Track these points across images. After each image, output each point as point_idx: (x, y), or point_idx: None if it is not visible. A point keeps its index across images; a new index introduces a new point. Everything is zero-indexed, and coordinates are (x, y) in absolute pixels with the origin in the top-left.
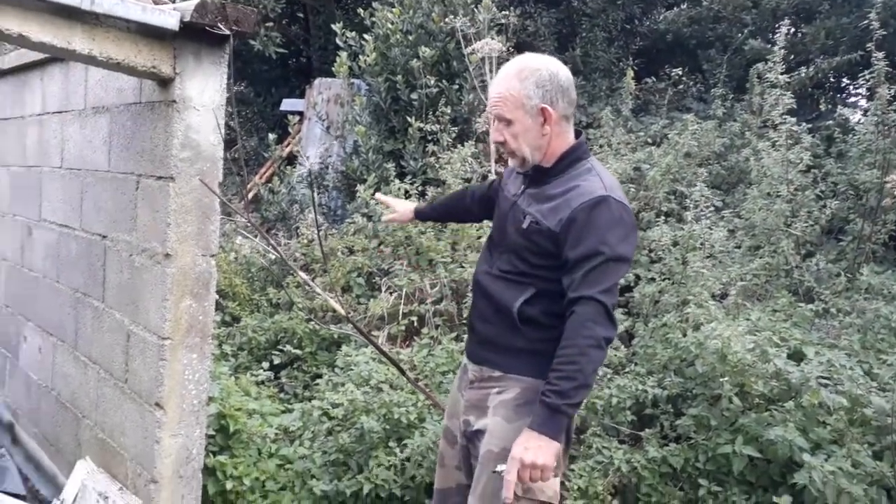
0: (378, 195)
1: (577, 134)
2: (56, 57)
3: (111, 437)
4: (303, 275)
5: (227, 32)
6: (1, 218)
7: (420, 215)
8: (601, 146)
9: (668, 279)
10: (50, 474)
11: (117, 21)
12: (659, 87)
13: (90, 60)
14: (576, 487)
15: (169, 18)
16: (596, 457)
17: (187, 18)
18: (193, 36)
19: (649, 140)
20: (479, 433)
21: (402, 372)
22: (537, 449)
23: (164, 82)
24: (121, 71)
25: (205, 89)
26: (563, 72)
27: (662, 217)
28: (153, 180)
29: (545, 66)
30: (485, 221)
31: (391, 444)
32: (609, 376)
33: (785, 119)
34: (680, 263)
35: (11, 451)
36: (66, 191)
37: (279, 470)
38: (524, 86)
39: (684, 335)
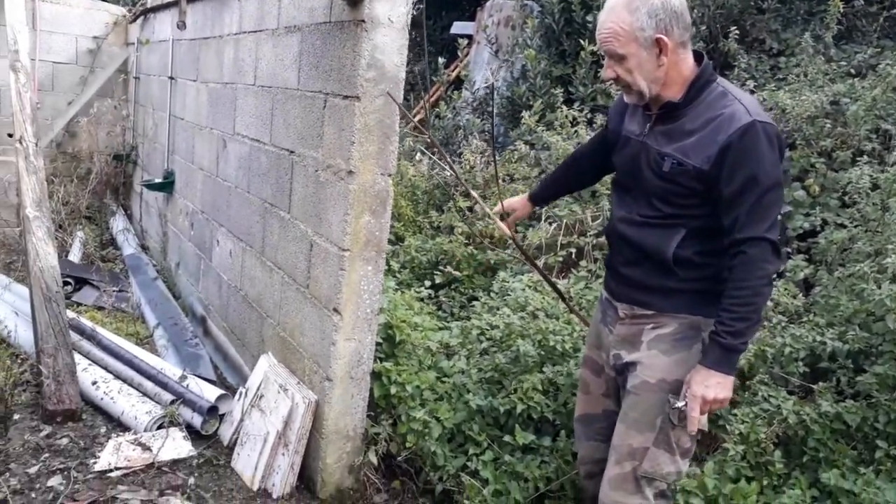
0: (489, 210)
1: (699, 57)
2: None
3: (291, 337)
4: (474, 193)
5: None
6: (199, 131)
7: (536, 199)
8: (797, 76)
9: (862, 226)
10: (236, 365)
11: None
12: (870, 9)
13: None
14: (737, 433)
15: None
16: (761, 404)
17: None
18: None
19: (852, 71)
20: (631, 365)
21: (562, 297)
22: (717, 385)
23: (354, 2)
24: None
25: (392, 8)
26: None
27: (864, 157)
28: (340, 99)
29: None
30: None
31: (545, 369)
32: (783, 324)
33: None
34: (878, 209)
35: (203, 341)
36: (258, 107)
37: (438, 381)
38: (636, 17)
39: (879, 287)
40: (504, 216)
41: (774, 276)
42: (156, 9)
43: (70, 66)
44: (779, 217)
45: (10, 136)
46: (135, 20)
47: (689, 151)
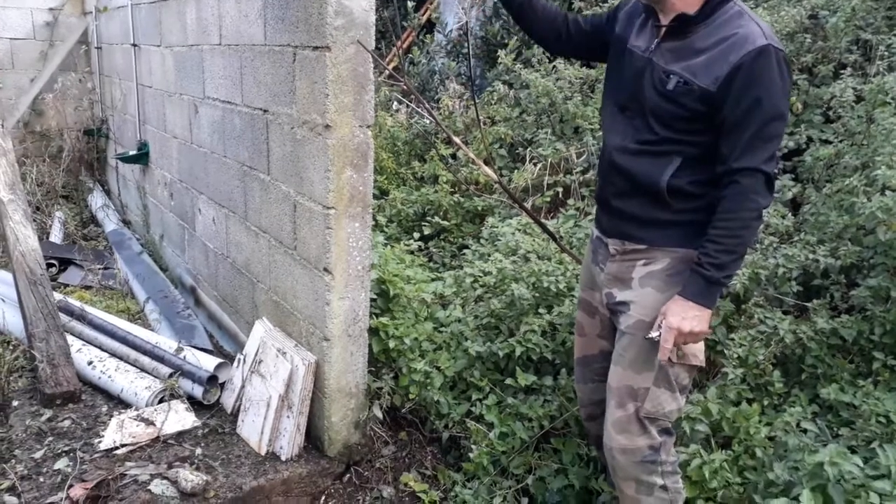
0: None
1: None
2: None
3: (284, 300)
4: (456, 139)
5: None
6: (169, 98)
7: None
8: None
9: (848, 140)
10: (231, 332)
11: None
12: None
13: None
14: (735, 356)
15: None
16: (758, 327)
17: None
18: None
19: None
20: (624, 304)
21: (553, 237)
22: (694, 318)
23: None
24: None
25: None
26: None
27: (847, 69)
28: (309, 51)
29: None
30: None
31: (541, 310)
32: (774, 245)
33: None
34: (864, 122)
35: (195, 311)
36: (227, 67)
37: (435, 332)
38: None
39: (868, 200)
40: (488, 161)
41: (763, 210)
42: None
43: (28, 41)
44: (777, 152)
45: None
46: None
47: (698, 71)
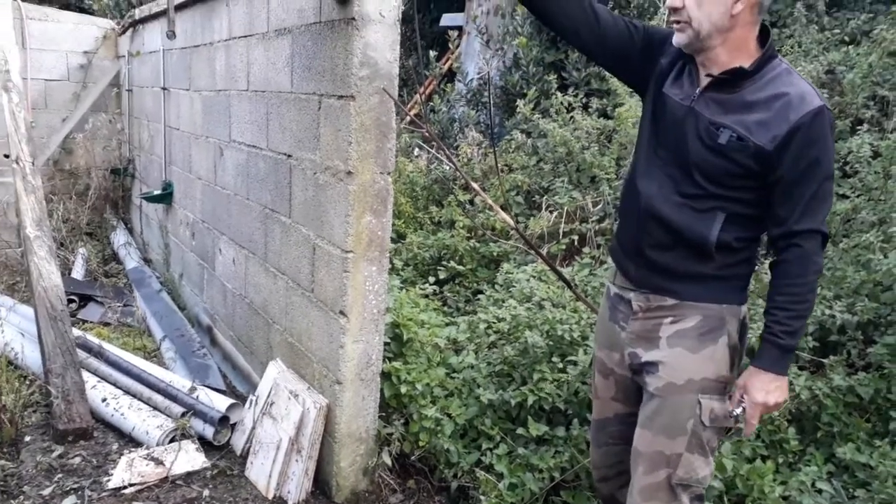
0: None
1: (763, 30)
2: None
3: (299, 342)
4: (474, 184)
5: None
6: (195, 140)
7: None
8: (791, 47)
9: (865, 196)
10: (245, 373)
11: None
12: None
13: None
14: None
15: None
16: None
17: None
18: None
19: (846, 38)
20: (651, 365)
21: (568, 284)
22: (776, 390)
23: (343, 0)
24: None
25: (381, 5)
26: None
27: (864, 125)
28: (334, 100)
29: None
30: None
31: (554, 359)
32: None
33: None
34: (881, 178)
35: (211, 351)
36: (253, 112)
37: (447, 378)
38: None
39: (885, 256)
40: (505, 207)
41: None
42: (144, 20)
43: (62, 82)
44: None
45: (7, 156)
46: (124, 32)
47: (752, 127)
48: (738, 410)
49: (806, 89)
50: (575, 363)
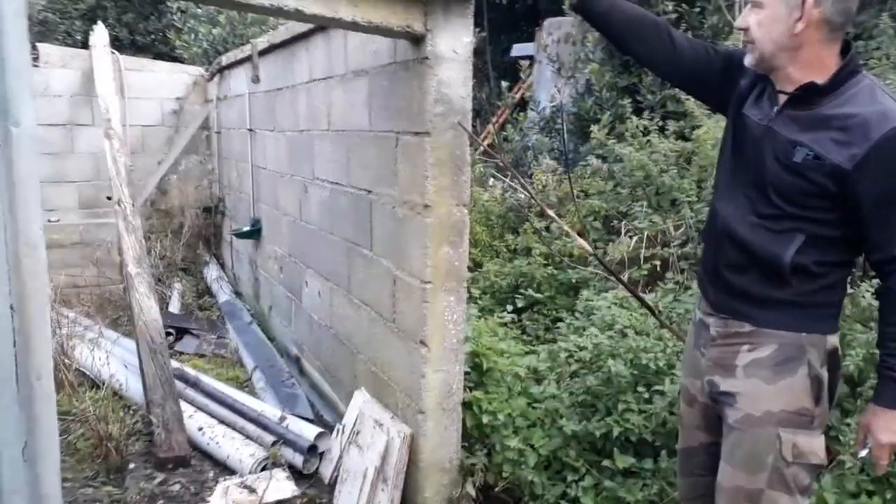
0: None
1: (846, 47)
2: (319, 27)
3: (382, 371)
4: (550, 211)
5: None
6: (281, 178)
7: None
8: (878, 60)
9: None
10: (331, 402)
11: None
12: None
13: (353, 26)
14: (852, 443)
15: None
16: None
17: None
18: None
19: None
20: (729, 395)
21: (652, 311)
22: None
23: (417, 40)
24: (378, 33)
25: (454, 43)
26: None
27: None
28: (411, 136)
29: None
30: None
31: (640, 388)
32: None
33: None
34: None
35: (299, 380)
36: (335, 151)
37: (529, 408)
38: None
39: None
40: (582, 233)
41: None
42: (230, 66)
43: (157, 127)
44: None
45: (109, 198)
46: (212, 78)
47: (830, 144)
48: (864, 453)
49: (891, 107)
50: (662, 393)
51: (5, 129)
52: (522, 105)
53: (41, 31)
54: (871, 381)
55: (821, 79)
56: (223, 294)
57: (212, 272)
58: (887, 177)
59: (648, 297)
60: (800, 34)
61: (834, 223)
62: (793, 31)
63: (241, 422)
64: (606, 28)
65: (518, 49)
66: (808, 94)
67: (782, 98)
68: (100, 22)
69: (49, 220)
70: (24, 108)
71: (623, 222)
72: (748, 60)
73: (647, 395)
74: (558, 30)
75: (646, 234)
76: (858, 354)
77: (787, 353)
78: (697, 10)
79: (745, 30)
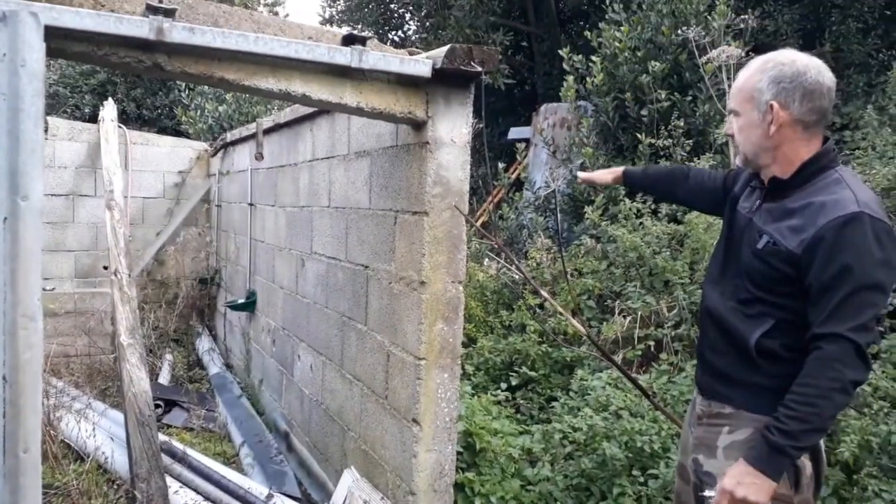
0: (580, 174)
1: (825, 140)
2: (324, 110)
3: (373, 449)
4: (544, 292)
5: (479, 70)
6: (279, 252)
7: (630, 177)
8: (864, 150)
9: None
10: (320, 480)
11: (379, 74)
12: None
13: (357, 111)
14: None
15: (422, 67)
16: (873, 500)
17: (438, 65)
18: (443, 81)
19: None
20: (709, 476)
21: (645, 393)
22: (751, 485)
23: (418, 125)
24: (382, 119)
25: (453, 129)
26: (815, 74)
27: None
28: (409, 215)
29: (792, 63)
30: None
31: (635, 472)
32: (885, 410)
33: None
34: None
35: (287, 456)
36: (334, 227)
37: (522, 490)
38: (761, 78)
39: None
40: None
41: (851, 385)
42: (235, 142)
43: (158, 199)
44: (872, 322)
45: (106, 268)
46: (216, 153)
47: (787, 232)
48: (710, 493)
49: (845, 196)
50: (656, 476)
51: (14, 203)
52: (518, 185)
53: (51, 104)
54: (867, 469)
55: (786, 174)
56: (214, 366)
57: (204, 343)
58: (830, 262)
59: (643, 379)
60: (774, 135)
61: (800, 311)
62: (768, 133)
63: (226, 499)
64: (650, 192)
65: (515, 132)
66: (777, 188)
67: (763, 193)
68: (110, 98)
69: (44, 289)
70: (33, 182)
71: (617, 302)
72: (738, 161)
73: (642, 479)
74: (554, 114)
75: (639, 314)
76: (853, 441)
77: None
78: (689, 98)
79: (732, 136)
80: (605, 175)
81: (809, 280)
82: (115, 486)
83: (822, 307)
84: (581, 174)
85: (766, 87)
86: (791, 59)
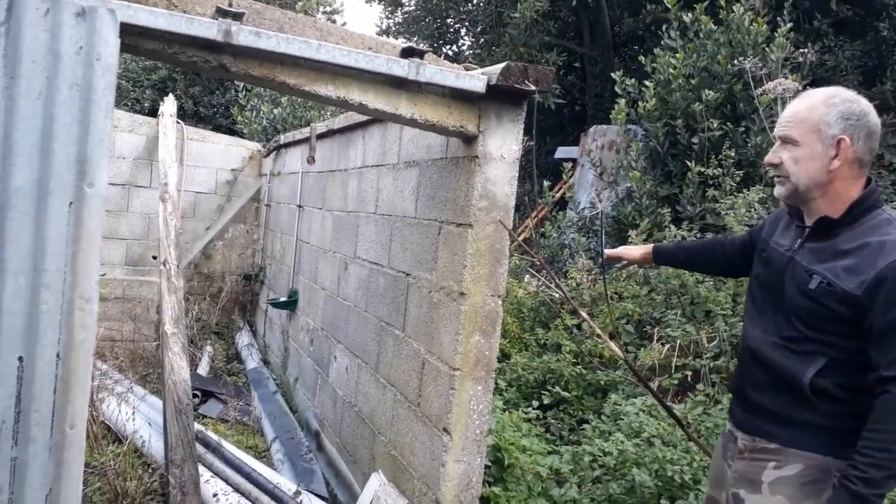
0: (607, 251)
1: (867, 181)
2: (377, 119)
3: (401, 455)
4: (583, 312)
5: (533, 88)
6: (323, 254)
7: (660, 256)
8: None
9: None
10: (347, 482)
11: (434, 87)
12: None
13: (411, 123)
14: None
15: (477, 83)
16: None
17: (493, 82)
18: (496, 97)
19: None
20: None
21: (680, 423)
22: None
23: (469, 139)
24: (434, 131)
25: (503, 145)
26: (875, 116)
27: None
28: (453, 227)
29: (858, 101)
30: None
31: (663, 501)
32: None
33: None
34: None
35: (317, 455)
36: (378, 233)
37: None
38: (828, 111)
39: None
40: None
41: None
42: (287, 145)
43: (210, 195)
44: None
45: (155, 258)
46: (269, 154)
47: (841, 272)
48: None
49: None
50: None
51: (80, 189)
52: (562, 204)
53: None
54: None
55: (837, 213)
56: (252, 361)
57: (243, 338)
58: (888, 303)
59: (677, 408)
60: (834, 171)
61: (855, 350)
62: (828, 167)
63: (256, 492)
64: (684, 268)
65: (562, 151)
66: (825, 228)
67: (805, 231)
68: (171, 94)
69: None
70: (99, 171)
71: (656, 329)
72: (779, 192)
73: None
74: (603, 136)
75: (678, 342)
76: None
77: (814, 475)
78: (742, 129)
79: (777, 165)
80: (634, 252)
81: (871, 321)
82: (150, 471)
83: (888, 349)
84: (608, 251)
85: (834, 120)
86: (855, 98)
